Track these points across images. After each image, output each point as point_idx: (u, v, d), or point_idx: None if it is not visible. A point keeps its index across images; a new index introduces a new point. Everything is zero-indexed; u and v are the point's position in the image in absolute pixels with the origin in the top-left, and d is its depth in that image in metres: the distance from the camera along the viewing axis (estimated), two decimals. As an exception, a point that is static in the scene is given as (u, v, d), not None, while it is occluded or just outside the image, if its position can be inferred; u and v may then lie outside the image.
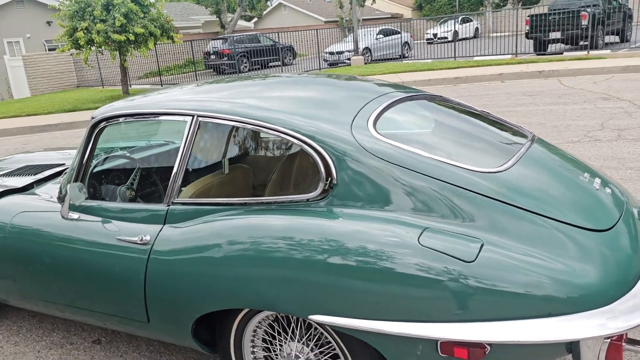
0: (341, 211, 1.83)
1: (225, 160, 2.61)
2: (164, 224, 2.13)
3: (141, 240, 2.11)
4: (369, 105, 2.12)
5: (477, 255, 1.60)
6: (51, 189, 2.81)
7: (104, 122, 2.43)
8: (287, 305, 1.80)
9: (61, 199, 2.51)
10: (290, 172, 2.45)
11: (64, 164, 3.31)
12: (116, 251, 2.18)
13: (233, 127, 2.52)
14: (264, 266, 1.81)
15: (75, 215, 2.38)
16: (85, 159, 2.43)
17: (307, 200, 1.90)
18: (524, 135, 2.33)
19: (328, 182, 1.88)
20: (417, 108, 2.32)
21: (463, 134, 2.24)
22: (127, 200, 2.71)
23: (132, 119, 2.40)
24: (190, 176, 2.44)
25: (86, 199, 2.37)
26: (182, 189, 2.21)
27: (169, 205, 2.16)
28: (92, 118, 2.46)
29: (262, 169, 2.95)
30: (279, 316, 1.99)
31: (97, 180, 2.87)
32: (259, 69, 21.60)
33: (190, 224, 2.06)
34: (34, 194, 2.81)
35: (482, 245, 1.63)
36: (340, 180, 1.87)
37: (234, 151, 2.53)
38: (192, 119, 2.20)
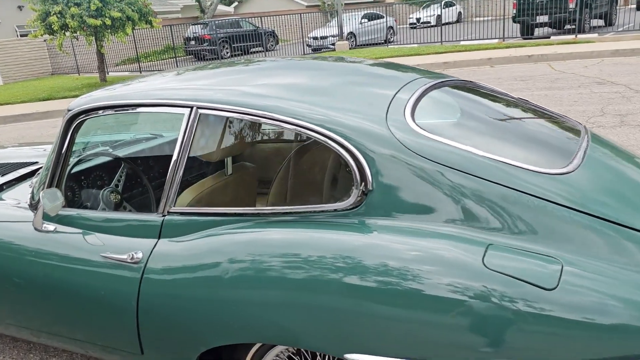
0: (377, 223, 1.51)
1: (228, 159, 2.26)
2: (159, 238, 1.78)
3: (131, 258, 1.76)
4: (399, 94, 1.78)
5: (559, 280, 1.28)
6: (22, 193, 2.42)
7: (83, 115, 2.04)
8: (316, 341, 1.48)
9: (33, 206, 2.14)
10: (303, 175, 2.11)
11: (37, 162, 2.91)
12: (101, 271, 1.82)
13: (238, 120, 2.16)
14: (286, 293, 1.49)
15: (50, 226, 2.00)
16: (61, 159, 2.05)
17: (335, 210, 1.58)
18: (575, 127, 2.02)
19: (362, 188, 1.55)
20: (450, 96, 1.99)
21: (511, 128, 1.93)
22: (112, 205, 2.34)
23: (115, 112, 2.03)
24: (188, 179, 2.08)
25: (63, 207, 2.01)
26: (180, 194, 1.86)
27: (164, 215, 1.81)
28: (69, 111, 2.07)
29: (267, 167, 2.61)
30: (302, 349, 1.67)
31: (75, 183, 2.49)
32: (240, 54, 21.06)
33: (191, 239, 1.71)
34: (1, 199, 2.42)
35: (562, 267, 1.32)
36: (376, 186, 1.53)
37: (236, 148, 2.18)
38: (191, 111, 1.84)
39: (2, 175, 2.73)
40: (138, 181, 2.68)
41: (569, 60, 11.75)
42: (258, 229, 1.62)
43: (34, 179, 2.46)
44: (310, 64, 2.21)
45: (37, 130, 9.94)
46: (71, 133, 2.06)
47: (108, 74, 16.72)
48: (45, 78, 20.86)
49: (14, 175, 2.71)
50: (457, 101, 2.00)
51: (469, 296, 1.30)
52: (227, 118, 1.92)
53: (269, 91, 1.81)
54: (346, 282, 1.41)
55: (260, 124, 2.21)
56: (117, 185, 2.45)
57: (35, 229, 2.02)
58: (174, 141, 3.08)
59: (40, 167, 2.72)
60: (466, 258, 1.35)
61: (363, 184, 1.54)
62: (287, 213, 1.64)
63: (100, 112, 2.03)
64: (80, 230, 1.95)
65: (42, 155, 3.09)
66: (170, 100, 1.88)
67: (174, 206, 1.81)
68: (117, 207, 2.36)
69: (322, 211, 1.59)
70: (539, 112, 2.12)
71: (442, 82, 2.01)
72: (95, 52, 15.32)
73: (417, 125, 1.61)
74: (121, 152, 2.78)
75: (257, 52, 21.61)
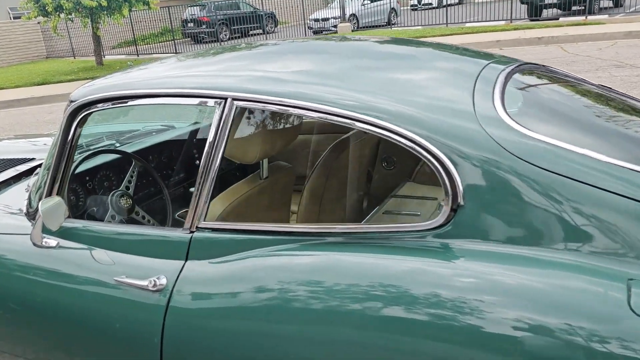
0: (473, 248, 1.18)
1: (265, 160, 1.93)
2: (187, 260, 1.45)
3: (154, 285, 1.44)
4: (479, 82, 1.45)
5: None
6: (16, 196, 2.09)
7: (87, 108, 1.71)
8: None
9: (31, 215, 1.81)
10: (347, 178, 1.79)
11: (34, 159, 2.55)
12: (115, 298, 1.51)
13: (283, 114, 1.82)
14: (363, 336, 1.18)
15: (51, 241, 1.67)
16: (63, 160, 1.72)
17: (417, 231, 1.25)
18: None
19: (452, 203, 1.23)
20: (531, 85, 1.66)
21: (617, 124, 1.60)
22: (124, 211, 2.01)
23: (126, 103, 1.70)
24: (219, 185, 1.75)
25: (67, 217, 1.67)
26: (210, 205, 1.52)
27: (192, 232, 1.48)
28: (71, 102, 1.73)
29: (303, 162, 2.27)
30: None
31: (79, 185, 2.16)
32: (239, 37, 20.58)
33: (228, 261, 1.38)
34: None
35: None
36: (468, 201, 1.21)
37: (277, 146, 1.83)
38: (224, 102, 1.49)
39: (-6, 174, 2.38)
40: (150, 180, 2.35)
41: (580, 43, 11.41)
42: (320, 252, 1.30)
43: (31, 181, 2.12)
44: (347, 45, 1.87)
45: (31, 116, 9.59)
46: (74, 129, 1.72)
47: (104, 57, 16.29)
48: (40, 61, 20.40)
49: (9, 174, 2.36)
50: (540, 90, 1.67)
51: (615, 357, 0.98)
52: (268, 111, 1.58)
53: (322, 80, 1.47)
54: (437, 322, 1.10)
55: (301, 117, 1.88)
56: (127, 188, 2.11)
57: (34, 243, 1.69)
58: (191, 134, 2.76)
59: (38, 165, 2.37)
60: (604, 299, 1.03)
61: (452, 197, 1.21)
62: (350, 233, 1.31)
63: (109, 103, 1.69)
64: (88, 247, 1.62)
65: (40, 150, 2.71)
66: (198, 90, 1.54)
67: (204, 220, 1.48)
68: (130, 212, 2.03)
69: (397, 232, 1.26)
70: (633, 103, 1.79)
71: (517, 66, 1.68)
72: (91, 35, 14.88)
73: (516, 122, 1.28)
74: (130, 148, 2.43)
75: (257, 34, 21.13)
